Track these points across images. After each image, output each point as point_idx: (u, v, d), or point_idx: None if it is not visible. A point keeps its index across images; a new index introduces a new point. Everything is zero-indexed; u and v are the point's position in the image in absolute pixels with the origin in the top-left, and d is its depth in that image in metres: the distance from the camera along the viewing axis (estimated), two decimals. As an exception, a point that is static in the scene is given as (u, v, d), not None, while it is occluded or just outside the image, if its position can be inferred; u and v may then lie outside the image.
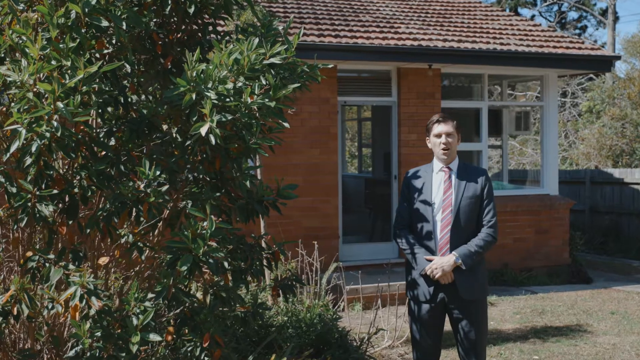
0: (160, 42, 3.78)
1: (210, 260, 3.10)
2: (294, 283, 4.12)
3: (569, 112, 23.01)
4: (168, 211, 3.63)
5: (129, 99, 3.71)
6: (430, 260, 3.96)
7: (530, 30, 10.72)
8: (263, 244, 3.99)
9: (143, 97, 3.86)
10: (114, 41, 3.43)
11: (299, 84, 3.46)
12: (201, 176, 3.49)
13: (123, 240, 3.53)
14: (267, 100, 3.30)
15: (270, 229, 8.57)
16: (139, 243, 3.29)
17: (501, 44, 9.61)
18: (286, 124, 3.71)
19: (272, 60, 3.59)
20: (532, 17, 28.65)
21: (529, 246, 10.29)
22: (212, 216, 3.15)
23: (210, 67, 3.26)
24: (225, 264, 3.77)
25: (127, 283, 3.75)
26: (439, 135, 4.05)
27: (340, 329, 5.78)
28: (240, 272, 3.79)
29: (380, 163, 10.61)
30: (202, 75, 3.22)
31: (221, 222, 3.25)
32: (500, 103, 11.93)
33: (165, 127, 3.71)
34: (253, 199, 3.71)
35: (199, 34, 4.01)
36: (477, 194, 4.03)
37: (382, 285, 7.05)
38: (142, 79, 3.97)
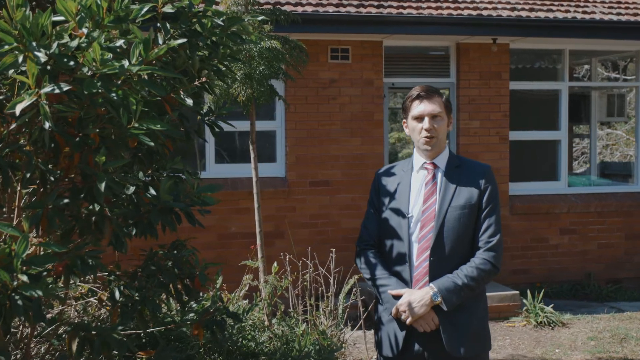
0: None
1: (19, 302, 2.07)
2: (224, 318, 3.06)
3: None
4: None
5: None
6: (399, 297, 2.73)
7: (624, -3, 9.03)
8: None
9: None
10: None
11: (184, 40, 2.37)
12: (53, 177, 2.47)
13: None
14: (126, 63, 2.23)
15: (304, 230, 7.52)
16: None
17: (584, 12, 8.04)
18: (189, 100, 2.65)
19: (165, 9, 2.55)
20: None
21: (617, 253, 8.66)
22: (29, 233, 2.11)
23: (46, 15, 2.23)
24: (117, 294, 2.80)
25: None
26: (419, 118, 2.81)
27: (342, 362, 4.65)
28: (132, 306, 2.76)
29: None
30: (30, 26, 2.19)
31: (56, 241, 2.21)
32: (582, 84, 10.26)
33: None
34: (155, 206, 2.66)
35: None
36: (473, 202, 2.77)
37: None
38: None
